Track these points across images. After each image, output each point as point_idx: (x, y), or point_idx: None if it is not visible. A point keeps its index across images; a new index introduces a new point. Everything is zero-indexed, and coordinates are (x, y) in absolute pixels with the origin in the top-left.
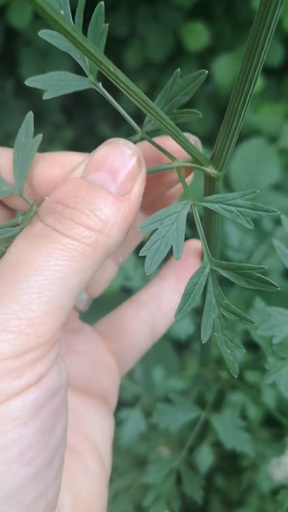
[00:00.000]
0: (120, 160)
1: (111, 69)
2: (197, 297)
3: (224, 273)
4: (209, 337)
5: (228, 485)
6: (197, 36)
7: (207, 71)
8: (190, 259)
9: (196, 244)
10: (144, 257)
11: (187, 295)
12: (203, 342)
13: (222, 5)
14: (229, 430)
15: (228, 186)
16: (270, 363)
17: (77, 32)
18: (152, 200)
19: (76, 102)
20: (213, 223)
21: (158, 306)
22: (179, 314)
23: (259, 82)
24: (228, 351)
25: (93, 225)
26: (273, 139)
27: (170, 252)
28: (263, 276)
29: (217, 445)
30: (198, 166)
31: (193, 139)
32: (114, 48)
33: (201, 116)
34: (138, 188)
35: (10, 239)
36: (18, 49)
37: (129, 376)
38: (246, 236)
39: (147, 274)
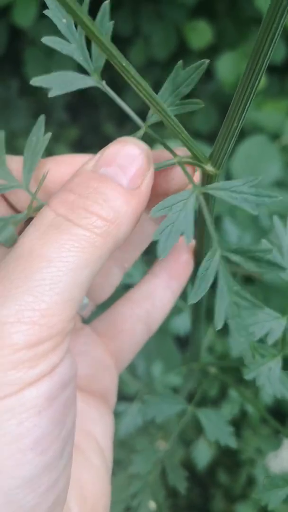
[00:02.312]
0: (131, 157)
1: (124, 64)
2: (210, 281)
3: (234, 257)
4: (223, 323)
5: (230, 481)
6: (201, 34)
7: (207, 61)
8: (183, 255)
9: None
10: (143, 254)
11: (201, 279)
12: (217, 329)
13: (225, 3)
14: (214, 423)
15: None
16: (249, 360)
17: (94, 25)
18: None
19: (81, 101)
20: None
21: (152, 303)
22: (193, 297)
23: (262, 80)
24: (242, 339)
25: (106, 215)
26: (275, 136)
27: None
28: (273, 259)
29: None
30: (197, 163)
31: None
32: (118, 46)
33: (203, 105)
34: (147, 184)
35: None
36: (22, 48)
37: (132, 372)
38: (245, 234)
39: (160, 258)
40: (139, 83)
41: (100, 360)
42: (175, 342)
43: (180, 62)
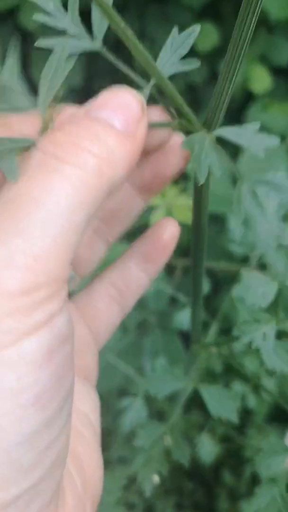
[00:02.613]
0: (125, 103)
1: (121, 26)
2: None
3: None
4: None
5: (235, 480)
6: (206, 36)
7: (199, 26)
8: (164, 237)
9: (171, 223)
10: (130, 239)
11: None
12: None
13: (231, 6)
14: (216, 399)
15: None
16: (243, 326)
17: None
18: (146, 178)
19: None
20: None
21: (126, 284)
22: (200, 179)
23: (268, 82)
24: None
25: (99, 153)
26: (282, 138)
27: (141, 230)
28: None
29: (224, 440)
30: (193, 127)
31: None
32: (124, 48)
33: (199, 65)
34: (141, 132)
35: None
36: (29, 51)
37: (139, 371)
38: (248, 231)
39: (199, 184)
40: (137, 48)
41: (82, 336)
42: (179, 337)
43: (175, 27)
